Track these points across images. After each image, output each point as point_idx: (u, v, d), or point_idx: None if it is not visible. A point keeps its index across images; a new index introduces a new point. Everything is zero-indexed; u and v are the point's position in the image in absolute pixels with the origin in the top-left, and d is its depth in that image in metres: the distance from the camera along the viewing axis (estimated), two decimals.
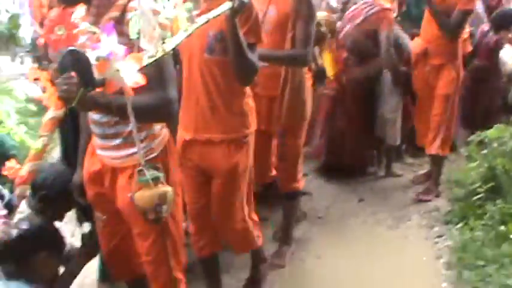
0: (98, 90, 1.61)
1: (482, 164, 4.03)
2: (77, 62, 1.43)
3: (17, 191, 1.39)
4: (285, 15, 2.98)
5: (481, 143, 4.25)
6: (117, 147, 2.07)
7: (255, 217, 2.86)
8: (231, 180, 2.60)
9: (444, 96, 4.27)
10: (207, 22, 2.01)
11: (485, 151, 4.16)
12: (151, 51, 1.61)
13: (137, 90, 1.74)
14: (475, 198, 3.84)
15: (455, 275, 3.23)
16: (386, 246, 3.69)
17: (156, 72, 1.81)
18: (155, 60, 1.67)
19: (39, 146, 1.50)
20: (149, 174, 1.65)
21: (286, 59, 3.05)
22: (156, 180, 1.64)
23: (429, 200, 4.32)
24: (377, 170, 4.98)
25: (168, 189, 1.68)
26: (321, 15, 3.88)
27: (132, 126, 1.81)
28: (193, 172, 2.63)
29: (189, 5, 1.79)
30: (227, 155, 2.56)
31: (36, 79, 1.53)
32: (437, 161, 4.42)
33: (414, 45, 4.49)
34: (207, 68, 2.48)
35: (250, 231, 2.79)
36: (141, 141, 2.02)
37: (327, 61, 4.15)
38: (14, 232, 1.21)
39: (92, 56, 1.45)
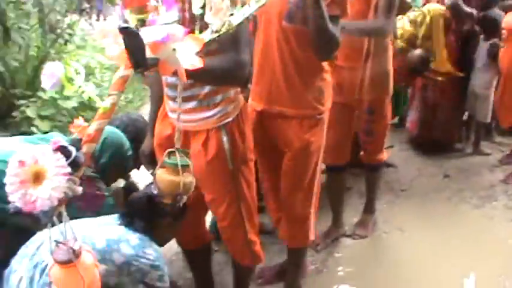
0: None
1: None
2: (127, 40, 1.32)
3: (84, 148, 1.32)
4: None
5: None
6: (192, 111, 2.04)
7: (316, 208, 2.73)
8: (301, 158, 2.48)
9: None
10: None
11: None
12: (217, 25, 1.47)
13: (210, 52, 1.66)
14: None
15: None
16: (470, 225, 3.68)
17: (230, 34, 1.64)
18: (219, 36, 1.54)
19: (107, 105, 1.39)
20: (180, 159, 1.52)
21: (366, 30, 2.95)
22: (184, 167, 1.51)
23: None
24: (465, 146, 4.92)
25: (193, 180, 1.56)
26: None
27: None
28: (264, 147, 2.54)
29: None
30: (299, 132, 2.45)
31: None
32: None
33: (507, 20, 4.30)
34: (285, 37, 2.32)
35: (308, 221, 2.65)
36: (216, 104, 2.03)
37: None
38: (80, 189, 1.19)
39: (146, 34, 1.34)
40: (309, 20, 2.18)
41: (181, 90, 1.64)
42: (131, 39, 1.31)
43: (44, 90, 4.39)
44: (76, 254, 1.21)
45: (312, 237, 2.72)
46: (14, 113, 4.57)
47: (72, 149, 1.20)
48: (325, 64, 2.45)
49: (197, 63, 1.34)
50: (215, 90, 1.98)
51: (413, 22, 4.23)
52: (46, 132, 4.32)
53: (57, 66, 1.35)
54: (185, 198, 1.59)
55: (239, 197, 2.19)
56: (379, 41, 3.02)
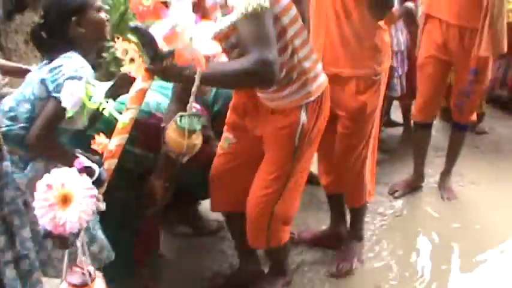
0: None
1: None
2: (139, 37, 1.36)
3: (106, 165, 1.35)
4: None
5: None
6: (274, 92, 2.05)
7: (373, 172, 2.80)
8: (357, 120, 2.49)
9: None
10: None
11: None
12: (243, 5, 1.47)
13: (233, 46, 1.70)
14: None
15: None
16: (465, 208, 3.54)
17: (252, 30, 1.66)
18: (247, 18, 1.55)
19: (126, 120, 1.39)
20: (189, 123, 1.58)
21: None
22: (191, 131, 1.58)
23: None
24: None
25: (199, 143, 1.64)
26: None
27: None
28: None
29: None
30: (355, 93, 2.44)
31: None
32: None
33: None
34: None
35: (364, 183, 2.70)
36: (292, 82, 2.01)
37: None
38: (103, 206, 1.22)
39: (157, 29, 1.34)
40: None
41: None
42: (142, 36, 1.35)
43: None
44: (92, 277, 1.25)
45: (368, 198, 2.80)
46: (104, 54, 4.80)
47: (96, 168, 1.24)
48: (381, 23, 2.42)
49: (214, 49, 1.33)
50: (293, 66, 1.99)
51: None
52: None
53: (76, 85, 1.37)
54: (186, 158, 1.71)
55: (290, 174, 2.17)
56: (496, 1, 2.97)
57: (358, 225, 2.93)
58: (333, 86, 2.27)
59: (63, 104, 1.39)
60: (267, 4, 1.67)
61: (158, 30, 1.34)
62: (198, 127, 1.62)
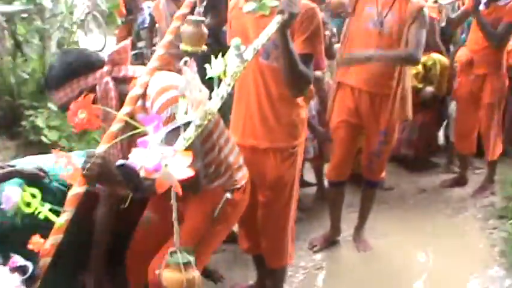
0: None
1: None
2: (125, 175, 1.39)
3: (41, 262, 1.44)
4: (402, 21, 3.25)
5: None
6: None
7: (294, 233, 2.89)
8: (276, 189, 2.61)
9: (490, 105, 4.54)
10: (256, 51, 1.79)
11: None
12: (199, 118, 1.50)
13: None
14: None
15: (508, 262, 3.70)
16: (445, 232, 4.17)
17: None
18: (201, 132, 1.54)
19: (61, 222, 1.49)
20: (181, 257, 1.55)
21: (399, 57, 3.33)
22: (186, 264, 1.54)
23: (486, 197, 4.74)
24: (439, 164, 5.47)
25: (196, 274, 1.59)
26: None
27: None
28: None
29: (237, 41, 1.61)
30: (273, 165, 2.56)
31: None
32: (492, 164, 4.82)
33: (460, 55, 4.72)
34: (261, 73, 2.46)
35: (285, 246, 2.80)
36: (220, 176, 2.21)
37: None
38: None
39: (139, 158, 1.37)
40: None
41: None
42: (126, 173, 1.37)
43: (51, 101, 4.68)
44: None
45: (288, 260, 2.89)
46: (23, 123, 4.83)
47: (29, 265, 1.35)
48: (299, 100, 2.57)
49: (189, 173, 1.37)
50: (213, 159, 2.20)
51: (423, 64, 4.86)
52: (54, 142, 4.66)
53: (14, 191, 1.50)
54: None
55: (204, 237, 2.24)
56: (407, 70, 3.41)
57: (280, 284, 3.02)
58: (251, 157, 2.46)
59: (2, 206, 1.50)
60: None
61: (139, 161, 1.37)
62: (192, 258, 1.57)
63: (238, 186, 2.25)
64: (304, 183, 4.71)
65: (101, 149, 1.77)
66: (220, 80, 1.59)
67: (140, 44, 6.19)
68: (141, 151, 1.39)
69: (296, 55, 2.27)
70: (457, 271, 3.62)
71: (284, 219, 2.72)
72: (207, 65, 1.59)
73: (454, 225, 4.32)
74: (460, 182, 5.01)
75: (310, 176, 4.76)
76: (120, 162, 1.39)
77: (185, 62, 1.55)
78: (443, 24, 5.03)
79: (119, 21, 6.49)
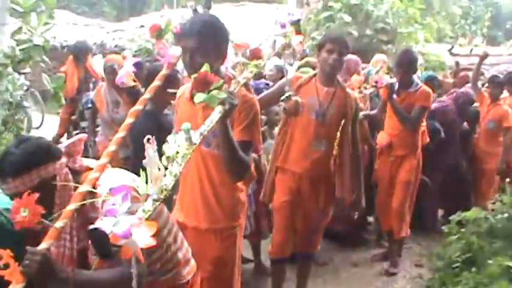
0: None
1: (460, 239, 4.76)
2: (96, 239, 1.47)
3: None
4: (341, 113, 3.58)
5: (460, 222, 4.99)
6: None
7: None
8: (218, 269, 2.69)
9: (406, 183, 4.83)
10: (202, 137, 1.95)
11: (463, 229, 4.90)
12: (156, 193, 1.62)
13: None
14: (454, 266, 4.54)
15: None
16: None
17: None
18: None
19: None
20: None
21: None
22: None
23: (397, 272, 4.96)
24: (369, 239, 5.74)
25: None
26: None
27: None
28: None
29: (187, 125, 1.79)
30: (214, 245, 2.65)
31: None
32: (399, 241, 5.08)
33: (380, 138, 5.03)
34: (203, 159, 2.58)
35: None
36: (167, 272, 2.24)
37: None
38: None
39: (109, 225, 1.49)
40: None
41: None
42: (98, 237, 1.45)
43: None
44: None
45: None
46: None
47: None
48: (239, 183, 2.70)
49: (151, 242, 1.48)
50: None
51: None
52: None
53: None
54: None
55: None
56: (348, 153, 3.65)
57: None
58: (194, 236, 2.58)
59: None
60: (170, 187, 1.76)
61: (109, 227, 1.48)
62: None
63: (184, 281, 2.31)
64: (242, 260, 4.84)
65: (43, 245, 1.74)
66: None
67: (83, 124, 6.30)
68: (109, 219, 1.51)
69: (235, 143, 2.38)
70: None
71: None
72: (164, 145, 1.78)
73: None
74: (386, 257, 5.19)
75: (246, 252, 4.89)
76: (92, 226, 1.48)
77: (148, 140, 1.67)
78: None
79: (63, 101, 6.62)
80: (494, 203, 4.99)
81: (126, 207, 1.55)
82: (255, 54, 2.65)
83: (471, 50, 7.05)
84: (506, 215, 4.70)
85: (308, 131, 3.59)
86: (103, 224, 1.49)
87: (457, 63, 9.09)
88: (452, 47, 6.95)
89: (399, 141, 4.83)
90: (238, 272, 2.84)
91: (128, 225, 1.48)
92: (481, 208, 5.06)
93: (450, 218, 5.02)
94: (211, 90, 2.11)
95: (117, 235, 1.48)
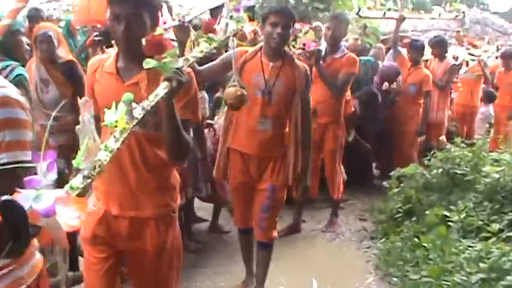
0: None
1: (400, 193, 5.17)
2: (8, 214, 1.15)
3: None
4: (290, 89, 3.38)
5: (399, 178, 5.39)
6: None
7: None
8: (162, 258, 2.42)
9: (332, 150, 4.98)
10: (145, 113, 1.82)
11: (402, 184, 5.30)
12: (88, 169, 1.41)
13: None
14: (395, 217, 4.95)
15: (382, 273, 4.28)
16: (327, 254, 4.71)
17: None
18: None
19: None
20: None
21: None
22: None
23: (334, 231, 5.18)
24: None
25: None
26: None
27: None
28: (103, 259, 2.36)
29: (129, 96, 1.65)
30: (157, 233, 2.37)
31: None
32: (337, 203, 5.30)
33: None
34: (137, 141, 2.24)
35: None
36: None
37: None
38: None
39: (27, 199, 1.18)
40: (162, 126, 2.16)
41: None
42: (13, 212, 1.15)
43: None
44: None
45: None
46: None
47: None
48: None
49: (76, 225, 1.21)
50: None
51: None
52: None
53: None
54: None
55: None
56: (298, 134, 3.44)
57: None
58: (131, 229, 2.33)
59: None
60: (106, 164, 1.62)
61: (28, 202, 1.18)
62: None
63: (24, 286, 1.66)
64: (197, 219, 5.06)
65: None
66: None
67: None
68: (29, 192, 1.18)
69: (180, 123, 2.17)
70: (340, 285, 4.12)
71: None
72: (106, 111, 1.69)
73: (334, 248, 4.87)
74: (295, 228, 5.17)
75: (201, 213, 5.11)
76: (5, 197, 1.15)
77: (85, 102, 1.55)
78: None
79: None
80: (430, 159, 5.38)
81: (51, 179, 1.25)
82: (208, 28, 2.60)
83: (384, 14, 7.27)
84: (440, 170, 5.13)
85: (254, 110, 3.39)
86: (21, 198, 1.17)
87: (365, 26, 9.39)
88: (359, 9, 7.18)
89: (324, 108, 4.80)
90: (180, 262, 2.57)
91: (52, 201, 1.17)
92: (418, 165, 5.50)
93: (390, 174, 5.43)
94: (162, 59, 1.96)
95: (37, 212, 1.16)
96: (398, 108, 6.60)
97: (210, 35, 2.57)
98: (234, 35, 2.99)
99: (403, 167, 5.43)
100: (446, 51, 6.97)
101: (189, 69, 2.29)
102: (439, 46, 6.84)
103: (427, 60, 7.04)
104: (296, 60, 3.50)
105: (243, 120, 3.48)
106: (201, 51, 2.42)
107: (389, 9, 8.60)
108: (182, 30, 3.34)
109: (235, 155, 3.58)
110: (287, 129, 3.51)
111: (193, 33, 2.82)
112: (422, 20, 10.68)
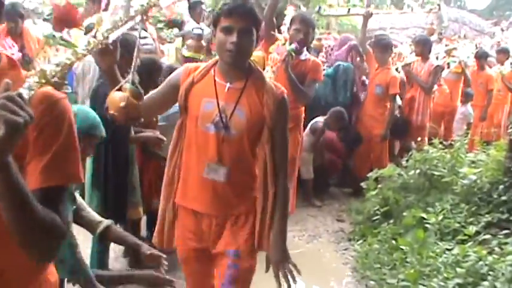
0: None
1: (378, 195, 5.15)
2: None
3: None
4: (257, 120, 2.37)
5: (376, 179, 5.38)
6: None
7: None
8: None
9: (292, 158, 4.05)
10: None
11: (380, 185, 5.29)
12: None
13: None
14: (373, 219, 4.93)
15: (359, 275, 4.25)
16: (304, 256, 4.60)
17: None
18: None
19: None
20: None
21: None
22: None
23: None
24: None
25: None
26: None
27: None
28: None
29: None
30: None
31: None
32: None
33: None
34: None
35: None
36: None
37: None
38: None
39: None
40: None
41: None
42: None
43: None
44: None
45: None
46: None
47: None
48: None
49: None
50: None
51: None
52: None
53: None
54: None
55: None
56: (268, 185, 2.43)
57: None
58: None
59: None
60: None
61: None
62: None
63: None
64: None
65: None
66: None
67: None
68: None
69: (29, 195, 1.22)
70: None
71: None
72: None
73: (311, 249, 4.83)
74: None
75: None
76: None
77: None
78: None
79: None
80: (407, 160, 5.37)
81: None
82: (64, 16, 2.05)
83: (349, 10, 7.18)
84: (418, 171, 5.12)
85: (205, 152, 2.37)
86: None
87: (328, 25, 9.18)
88: (320, 7, 7.06)
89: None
90: None
91: None
92: (395, 165, 5.50)
93: (368, 175, 5.41)
94: None
95: None
96: (364, 109, 6.38)
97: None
98: (143, 15, 2.26)
99: (371, 171, 5.43)
100: (429, 51, 6.86)
101: (59, 95, 1.38)
102: (422, 45, 6.76)
103: (409, 64, 6.95)
104: (267, 80, 2.47)
105: (193, 166, 2.44)
106: (68, 59, 1.65)
107: (354, 6, 8.51)
108: (105, 54, 2.26)
109: (186, 213, 2.52)
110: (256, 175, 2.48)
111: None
112: (401, 15, 10.65)
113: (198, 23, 7.06)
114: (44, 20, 9.71)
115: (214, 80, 2.40)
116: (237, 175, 2.42)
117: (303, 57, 4.52)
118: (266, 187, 2.43)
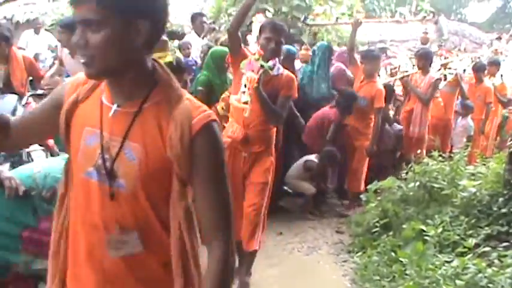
0: None
1: (377, 207, 5.15)
2: None
3: None
4: (158, 168, 1.49)
5: (376, 191, 5.39)
6: None
7: None
8: None
9: (263, 184, 3.92)
10: None
11: (379, 198, 5.29)
12: None
13: None
14: (372, 231, 4.92)
15: (358, 287, 4.24)
16: (304, 267, 4.64)
17: None
18: None
19: None
20: None
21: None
22: None
23: None
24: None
25: None
26: None
27: None
28: None
29: None
30: None
31: None
32: (251, 254, 4.05)
33: (234, 131, 3.91)
34: None
35: None
36: None
37: None
38: None
39: None
40: None
41: None
42: None
43: None
44: None
45: None
46: None
47: None
48: None
49: None
50: None
51: None
52: None
53: None
54: None
55: None
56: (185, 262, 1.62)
57: None
58: None
59: None
60: None
61: None
62: None
63: None
64: None
65: None
66: None
67: None
68: None
69: None
70: None
71: None
72: None
73: (311, 261, 4.81)
74: None
75: None
76: None
77: None
78: None
79: None
80: (407, 173, 5.38)
81: None
82: None
83: (337, 19, 7.12)
84: (417, 183, 5.12)
85: (88, 211, 1.55)
86: None
87: (315, 34, 8.85)
88: (306, 17, 6.89)
89: (257, 135, 3.88)
90: None
91: None
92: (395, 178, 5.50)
93: (368, 187, 5.41)
94: None
95: None
96: (348, 121, 6.11)
97: None
98: None
99: (351, 184, 5.42)
100: (430, 65, 6.91)
101: None
102: (425, 59, 6.81)
103: (408, 75, 7.00)
104: (184, 97, 1.52)
105: (79, 231, 1.58)
106: None
107: (343, 14, 8.42)
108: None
109: None
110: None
111: None
112: (400, 28, 10.67)
113: (199, 35, 7.10)
114: (46, 30, 9.79)
115: (101, 101, 1.55)
116: (137, 247, 1.53)
117: (275, 71, 3.86)
118: (185, 270, 1.54)
